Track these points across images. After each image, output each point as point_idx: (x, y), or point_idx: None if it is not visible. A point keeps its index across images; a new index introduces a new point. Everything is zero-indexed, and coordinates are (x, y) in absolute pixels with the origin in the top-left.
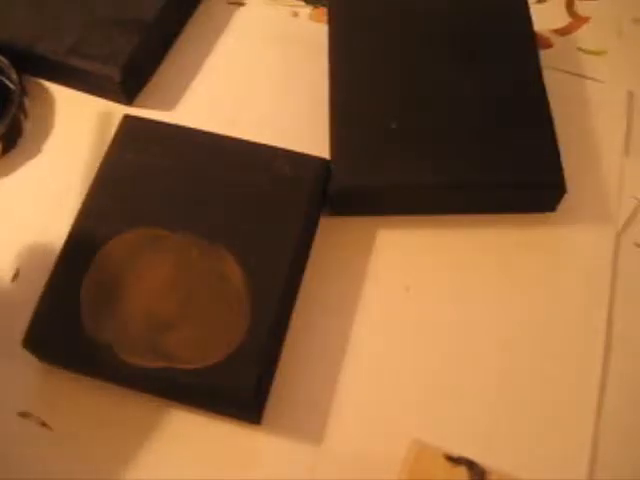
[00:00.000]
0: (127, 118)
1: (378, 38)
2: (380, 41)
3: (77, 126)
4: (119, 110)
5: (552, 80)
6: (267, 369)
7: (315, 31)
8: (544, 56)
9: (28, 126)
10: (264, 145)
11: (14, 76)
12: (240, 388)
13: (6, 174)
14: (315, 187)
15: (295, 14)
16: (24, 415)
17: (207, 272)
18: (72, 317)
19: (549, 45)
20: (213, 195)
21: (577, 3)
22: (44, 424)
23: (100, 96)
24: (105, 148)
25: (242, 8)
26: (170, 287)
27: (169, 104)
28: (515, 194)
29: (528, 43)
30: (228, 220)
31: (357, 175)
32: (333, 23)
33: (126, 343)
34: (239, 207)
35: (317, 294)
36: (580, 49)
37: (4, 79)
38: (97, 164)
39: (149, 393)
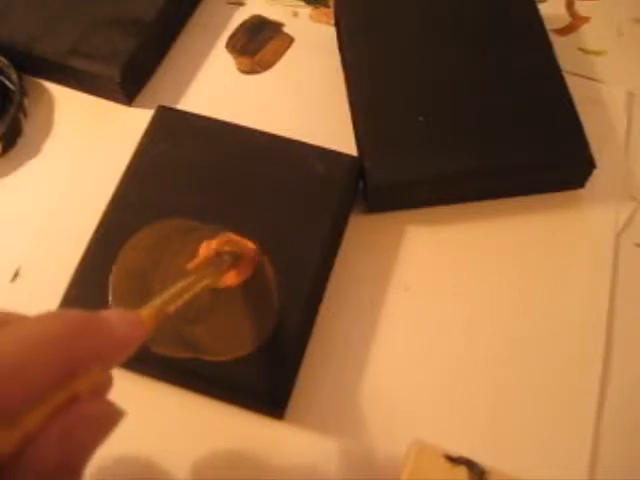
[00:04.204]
0: (161, 109)
1: (391, 31)
2: (393, 34)
3: (77, 126)
4: (119, 110)
5: None
6: (292, 366)
7: (315, 31)
8: None
9: (28, 126)
10: (297, 141)
11: (14, 76)
12: (265, 384)
13: (6, 174)
14: (348, 185)
15: (295, 14)
16: None
17: None
18: (100, 305)
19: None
20: (244, 190)
21: (577, 3)
22: None
23: (100, 96)
24: (104, 148)
25: (242, 8)
26: None
27: (169, 104)
28: (544, 174)
29: (537, 26)
30: (259, 215)
31: (394, 171)
32: (343, 20)
33: (153, 333)
34: (270, 202)
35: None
36: (580, 49)
37: (4, 79)
38: (96, 164)
39: (173, 383)
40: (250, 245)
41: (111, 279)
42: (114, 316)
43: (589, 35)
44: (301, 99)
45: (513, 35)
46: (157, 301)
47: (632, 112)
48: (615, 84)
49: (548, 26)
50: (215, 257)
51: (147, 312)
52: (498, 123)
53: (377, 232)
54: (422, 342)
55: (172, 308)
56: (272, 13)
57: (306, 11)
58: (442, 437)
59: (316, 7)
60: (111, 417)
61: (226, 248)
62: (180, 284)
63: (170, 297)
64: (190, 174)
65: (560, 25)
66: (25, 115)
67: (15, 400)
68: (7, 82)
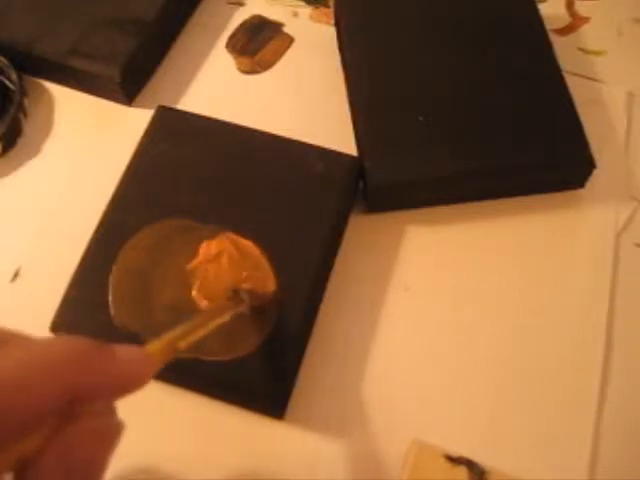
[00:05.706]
0: (161, 109)
1: (391, 31)
2: (393, 34)
3: (77, 126)
4: (119, 110)
5: None
6: (292, 366)
7: (315, 31)
8: None
9: (28, 126)
10: (297, 141)
11: (14, 76)
12: (265, 384)
13: (6, 174)
14: (348, 185)
15: (295, 14)
16: None
17: None
18: (100, 304)
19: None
20: (244, 189)
21: (577, 3)
22: None
23: (100, 96)
24: (104, 148)
25: (242, 8)
26: None
27: (169, 104)
28: (544, 174)
29: (537, 26)
30: (259, 215)
31: (394, 171)
32: (343, 20)
33: (153, 332)
34: (270, 202)
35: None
36: (580, 49)
37: (4, 79)
38: (96, 164)
39: (173, 383)
40: (270, 284)
41: (111, 279)
42: (123, 351)
43: (589, 35)
44: (301, 99)
45: (513, 35)
46: (168, 336)
47: (632, 112)
48: (615, 84)
49: (548, 26)
50: (234, 295)
51: (156, 348)
52: (498, 123)
53: (377, 232)
54: (422, 342)
55: (184, 345)
56: (272, 13)
57: (306, 11)
58: (442, 437)
59: (316, 7)
60: (110, 431)
61: (244, 286)
62: (195, 320)
63: (183, 333)
64: (190, 174)
65: (560, 25)
66: (25, 115)
67: (7, 425)
68: (7, 82)
